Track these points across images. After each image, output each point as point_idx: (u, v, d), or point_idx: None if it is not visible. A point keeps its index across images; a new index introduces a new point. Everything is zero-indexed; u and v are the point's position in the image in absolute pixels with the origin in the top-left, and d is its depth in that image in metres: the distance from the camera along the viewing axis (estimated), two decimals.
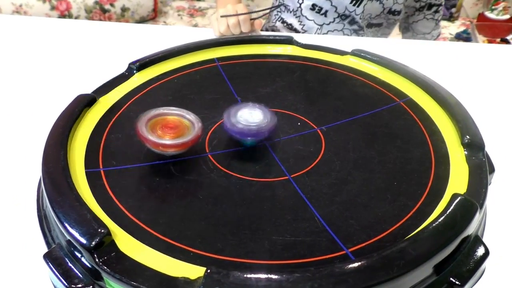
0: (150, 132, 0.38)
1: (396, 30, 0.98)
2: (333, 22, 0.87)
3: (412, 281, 0.30)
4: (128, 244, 0.32)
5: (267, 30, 0.94)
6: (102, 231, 0.31)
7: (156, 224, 0.34)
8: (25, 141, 0.53)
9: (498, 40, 1.91)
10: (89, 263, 0.31)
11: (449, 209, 0.33)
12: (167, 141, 0.38)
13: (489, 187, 0.38)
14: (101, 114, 0.47)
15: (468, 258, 0.33)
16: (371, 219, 0.35)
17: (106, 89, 0.51)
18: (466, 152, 0.41)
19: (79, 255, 0.32)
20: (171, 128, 0.39)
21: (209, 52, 0.59)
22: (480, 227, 0.37)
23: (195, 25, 1.49)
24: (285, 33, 0.87)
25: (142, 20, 1.38)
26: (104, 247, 0.31)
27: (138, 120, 0.39)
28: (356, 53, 0.58)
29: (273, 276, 0.28)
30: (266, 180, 0.39)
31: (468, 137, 0.41)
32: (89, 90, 0.50)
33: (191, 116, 0.41)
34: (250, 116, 0.41)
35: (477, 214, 0.33)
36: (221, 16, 0.73)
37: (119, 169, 0.40)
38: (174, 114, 0.41)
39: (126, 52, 0.75)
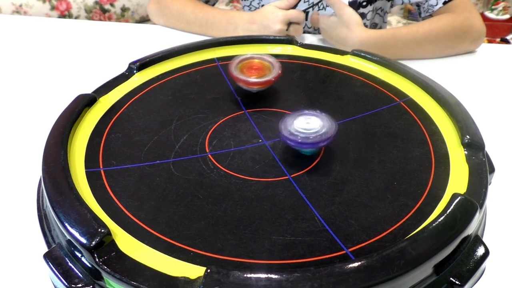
0: (240, 73, 0.48)
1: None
2: None
3: (412, 281, 0.30)
4: (128, 244, 0.32)
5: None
6: (102, 230, 0.31)
7: (156, 224, 0.34)
8: (25, 140, 0.53)
9: (498, 40, 1.91)
10: (89, 262, 0.31)
11: (449, 209, 0.33)
12: (255, 79, 0.48)
13: (489, 187, 0.38)
14: (101, 114, 0.47)
15: (468, 258, 0.33)
16: (371, 219, 0.35)
17: (107, 89, 0.51)
18: (466, 152, 0.41)
19: (79, 255, 0.32)
20: (255, 69, 0.49)
21: (209, 52, 0.59)
22: (480, 227, 0.37)
23: None
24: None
25: (142, 20, 1.38)
26: (104, 247, 0.31)
27: (229, 66, 0.49)
28: (356, 53, 0.58)
29: (273, 276, 0.28)
30: (266, 180, 0.39)
31: (468, 137, 0.41)
32: (89, 90, 0.50)
33: (270, 58, 0.50)
34: (307, 125, 0.40)
35: (477, 214, 0.33)
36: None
37: (119, 169, 0.40)
38: (256, 57, 0.50)
39: (126, 52, 0.75)
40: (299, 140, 0.39)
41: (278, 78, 0.48)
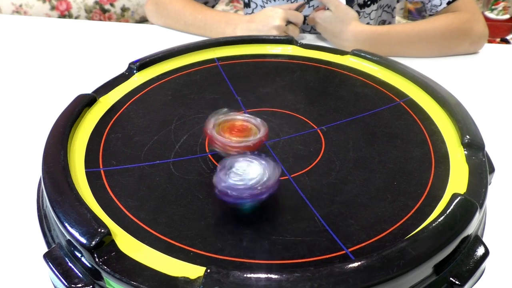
0: (220, 133, 0.40)
1: None
2: None
3: (412, 281, 0.30)
4: (128, 244, 0.32)
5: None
6: (102, 230, 0.31)
7: (156, 224, 0.34)
8: (25, 140, 0.53)
9: (498, 40, 1.91)
10: (89, 262, 0.31)
11: (449, 209, 0.33)
12: (233, 143, 0.39)
13: (489, 187, 0.38)
14: (101, 114, 0.47)
15: (468, 258, 0.33)
16: (371, 219, 0.35)
17: (106, 89, 0.51)
18: (466, 152, 0.41)
19: (79, 255, 0.32)
20: (238, 131, 0.40)
21: (209, 52, 0.59)
22: (480, 227, 0.37)
23: None
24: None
25: (142, 20, 1.38)
26: (104, 247, 0.31)
27: (206, 122, 0.40)
28: (356, 53, 0.58)
29: (273, 276, 0.28)
30: None
31: (468, 137, 0.41)
32: (89, 90, 0.50)
33: (256, 120, 0.42)
34: (243, 172, 0.33)
35: (477, 214, 0.33)
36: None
37: (119, 168, 0.40)
38: (240, 119, 0.42)
39: (126, 52, 0.75)
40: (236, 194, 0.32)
41: (260, 144, 0.40)
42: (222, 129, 0.40)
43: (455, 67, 0.72)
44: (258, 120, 0.42)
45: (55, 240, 0.36)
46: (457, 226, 0.32)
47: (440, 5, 0.76)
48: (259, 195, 0.33)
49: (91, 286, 0.31)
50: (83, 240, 0.30)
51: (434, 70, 0.70)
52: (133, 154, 0.41)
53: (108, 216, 0.35)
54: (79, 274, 0.32)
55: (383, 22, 0.92)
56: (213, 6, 0.94)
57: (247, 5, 0.93)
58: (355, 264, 0.29)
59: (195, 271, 0.30)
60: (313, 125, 0.46)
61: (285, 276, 0.28)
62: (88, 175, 0.39)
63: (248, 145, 0.39)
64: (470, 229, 0.33)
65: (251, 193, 0.32)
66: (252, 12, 0.92)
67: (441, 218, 0.32)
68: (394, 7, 0.92)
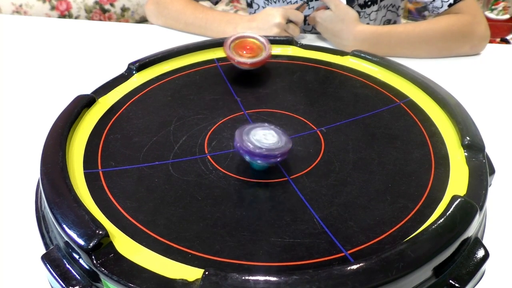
0: (234, 52, 0.52)
1: None
2: None
3: (412, 284, 0.30)
4: (126, 246, 0.32)
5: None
6: (100, 232, 0.31)
7: (154, 226, 0.34)
8: (24, 141, 0.53)
9: (498, 40, 1.90)
10: (87, 264, 0.31)
11: (448, 211, 0.33)
12: (246, 60, 0.52)
13: (489, 189, 0.38)
14: (100, 115, 0.47)
15: (467, 260, 0.32)
16: (370, 220, 0.34)
17: (106, 90, 0.51)
18: (466, 154, 0.41)
19: (77, 257, 0.32)
20: (248, 49, 0.53)
21: (209, 53, 0.59)
22: (480, 229, 0.37)
23: None
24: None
25: (142, 20, 1.38)
26: (102, 249, 0.31)
27: (224, 43, 0.53)
28: (356, 54, 0.58)
29: (272, 278, 0.28)
30: (265, 181, 0.38)
31: (468, 138, 0.41)
32: (88, 91, 0.49)
33: (263, 39, 0.54)
34: (263, 137, 0.38)
35: (477, 216, 0.33)
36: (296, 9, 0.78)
37: (117, 170, 0.39)
38: (251, 37, 0.55)
39: (126, 52, 0.75)
40: (258, 152, 0.36)
41: (267, 59, 0.53)
42: (235, 47, 0.53)
43: (455, 67, 0.72)
44: (264, 40, 0.54)
45: (53, 242, 0.35)
46: (457, 228, 0.32)
47: (442, 7, 0.76)
48: (274, 157, 0.37)
49: None
50: (81, 242, 0.30)
51: (434, 70, 0.70)
52: (132, 155, 0.41)
53: (106, 217, 0.34)
54: (77, 275, 0.32)
55: (388, 22, 0.92)
56: (215, 3, 0.95)
57: (249, 5, 0.93)
58: (354, 267, 0.29)
59: (193, 273, 0.29)
60: (312, 126, 0.46)
61: (283, 279, 0.28)
62: (87, 176, 0.39)
63: (255, 62, 0.52)
64: (470, 231, 0.33)
65: (269, 154, 0.37)
66: (255, 12, 0.92)
67: (441, 220, 0.32)
68: (399, 6, 0.92)
